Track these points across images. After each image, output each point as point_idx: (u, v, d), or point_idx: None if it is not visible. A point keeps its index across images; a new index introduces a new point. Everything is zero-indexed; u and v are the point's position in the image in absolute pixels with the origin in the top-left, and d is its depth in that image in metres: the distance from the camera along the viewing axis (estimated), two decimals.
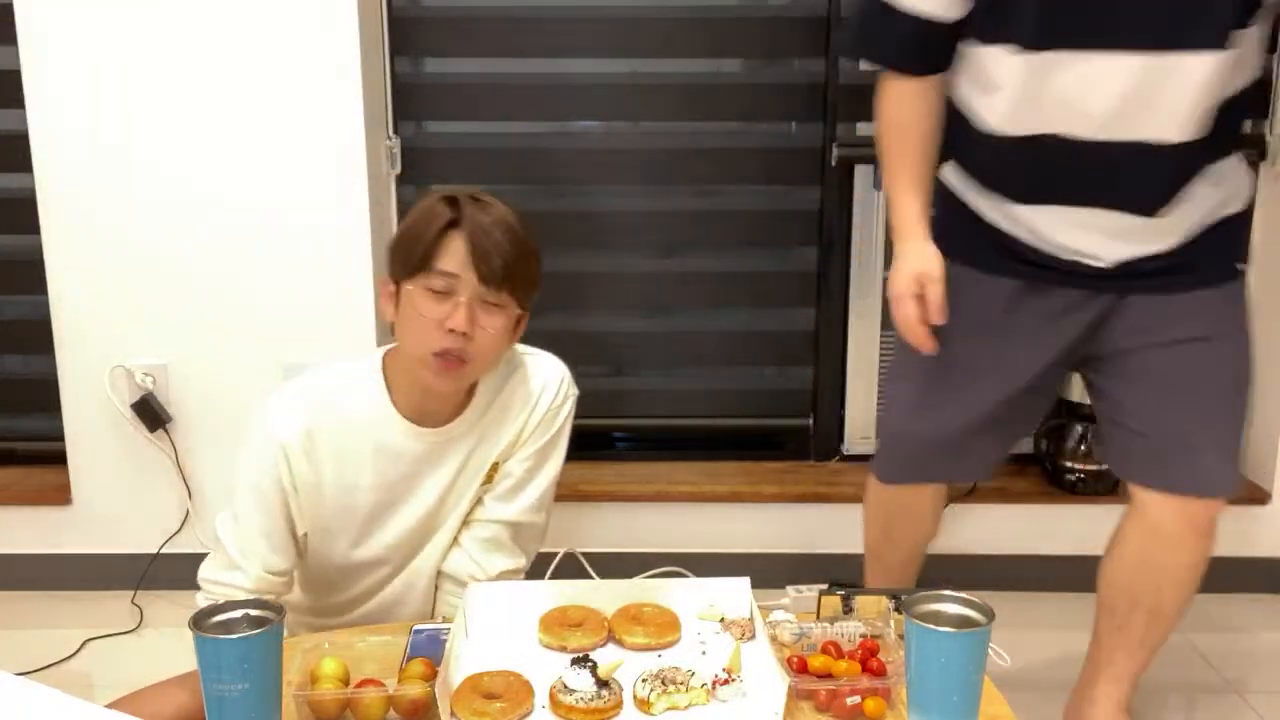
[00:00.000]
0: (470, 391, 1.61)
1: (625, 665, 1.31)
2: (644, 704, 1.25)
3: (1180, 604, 1.85)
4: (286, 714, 1.17)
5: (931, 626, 1.11)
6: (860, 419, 2.71)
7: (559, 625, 1.40)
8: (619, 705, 1.25)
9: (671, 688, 1.25)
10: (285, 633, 1.17)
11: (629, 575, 1.81)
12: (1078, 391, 2.49)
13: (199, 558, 1.60)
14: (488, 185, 1.61)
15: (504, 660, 1.33)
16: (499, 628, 1.42)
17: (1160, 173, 1.66)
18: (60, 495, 2.59)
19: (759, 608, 1.42)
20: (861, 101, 2.56)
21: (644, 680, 1.26)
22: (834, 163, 2.58)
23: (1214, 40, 1.54)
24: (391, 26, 2.53)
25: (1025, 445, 2.68)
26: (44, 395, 2.56)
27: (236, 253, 2.44)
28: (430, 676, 1.26)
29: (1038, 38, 1.58)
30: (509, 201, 1.54)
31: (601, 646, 1.38)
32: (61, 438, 2.57)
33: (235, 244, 2.44)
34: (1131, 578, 1.85)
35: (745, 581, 1.46)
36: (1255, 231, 2.11)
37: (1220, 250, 1.77)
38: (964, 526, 2.58)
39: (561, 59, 2.59)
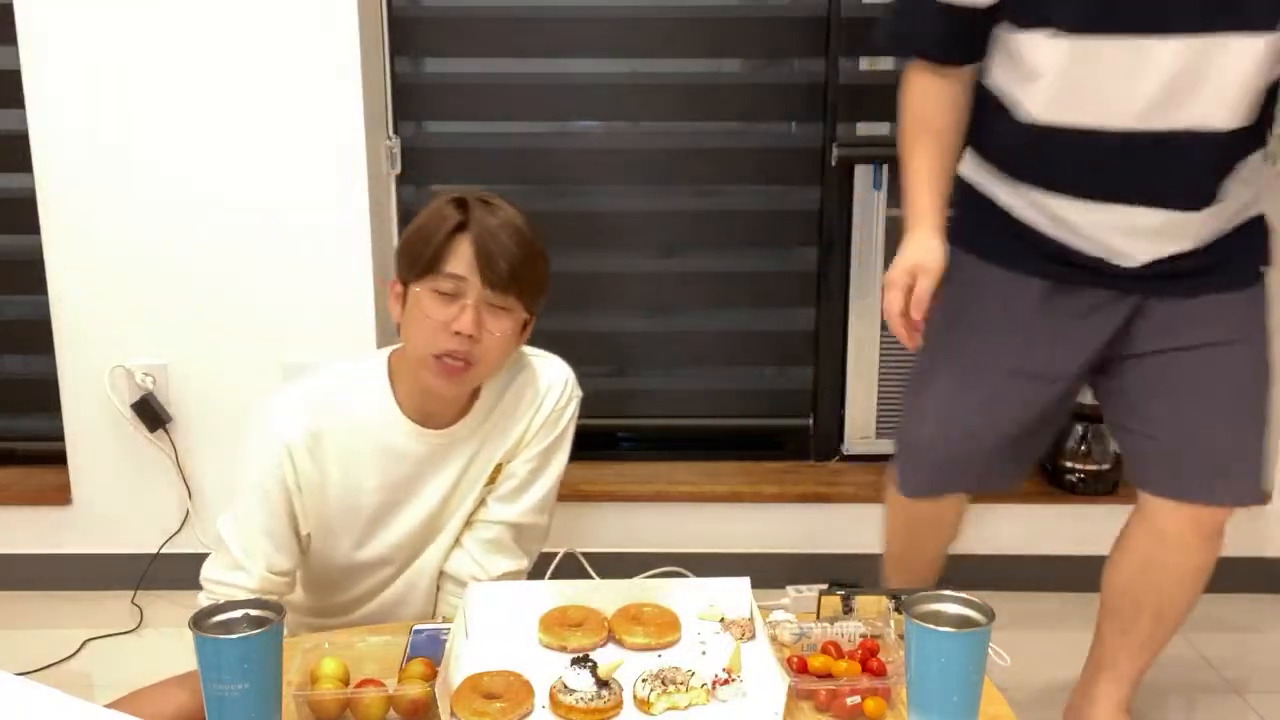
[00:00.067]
0: (475, 393, 1.60)
1: (625, 665, 1.31)
2: (644, 704, 1.25)
3: (1186, 607, 1.83)
4: (286, 714, 1.17)
5: (931, 626, 1.11)
6: (860, 419, 2.71)
7: (559, 625, 1.39)
8: (619, 705, 1.25)
9: (671, 688, 1.25)
10: (285, 633, 1.16)
11: (629, 575, 1.81)
12: None
13: (199, 558, 1.60)
14: (488, 185, 1.61)
15: (504, 660, 1.33)
16: (499, 628, 1.42)
17: (1208, 162, 1.61)
18: (60, 495, 2.59)
19: (759, 608, 1.42)
20: (861, 101, 2.58)
21: (644, 680, 1.26)
22: (834, 163, 2.57)
23: (1264, 22, 1.49)
24: (391, 26, 2.53)
25: None
26: (44, 395, 2.56)
27: (236, 253, 2.44)
28: (430, 676, 1.26)
29: (1079, 21, 1.53)
30: (517, 204, 1.54)
31: (601, 646, 1.38)
32: (61, 438, 2.57)
33: (235, 244, 2.44)
34: (1137, 582, 1.83)
35: (745, 581, 1.46)
36: None
37: (1246, 252, 1.73)
38: (964, 526, 2.57)
39: (561, 59, 2.59)
